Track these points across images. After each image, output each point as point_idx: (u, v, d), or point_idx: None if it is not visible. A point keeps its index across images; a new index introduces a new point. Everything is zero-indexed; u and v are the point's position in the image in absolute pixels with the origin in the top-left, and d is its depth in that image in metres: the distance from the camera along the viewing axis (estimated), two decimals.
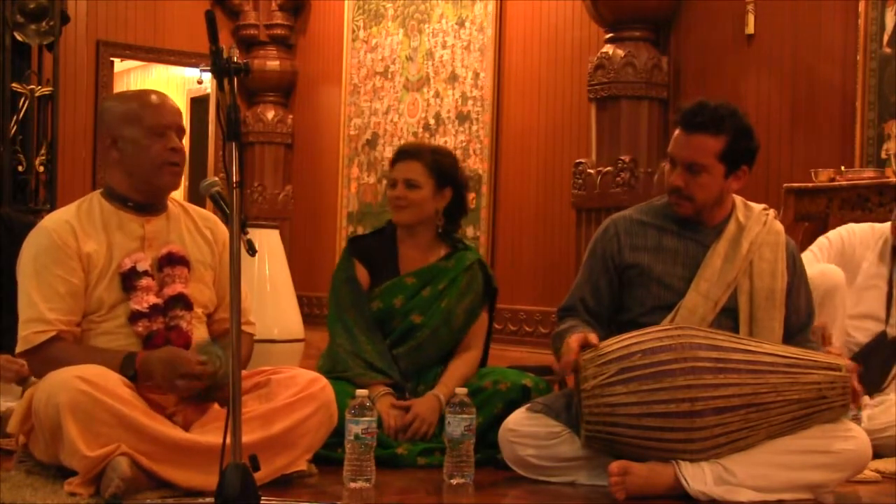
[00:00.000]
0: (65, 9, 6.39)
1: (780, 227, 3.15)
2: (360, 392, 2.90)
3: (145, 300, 2.83)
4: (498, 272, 6.89)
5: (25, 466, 2.83)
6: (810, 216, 4.59)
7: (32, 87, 6.26)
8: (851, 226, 3.99)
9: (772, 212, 3.18)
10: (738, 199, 3.16)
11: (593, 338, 2.85)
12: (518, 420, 3.02)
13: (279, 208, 8.97)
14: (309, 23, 8.92)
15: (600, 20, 5.88)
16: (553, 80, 6.62)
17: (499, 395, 3.34)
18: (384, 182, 7.53)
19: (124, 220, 2.91)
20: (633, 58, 5.70)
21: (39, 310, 2.76)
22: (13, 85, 6.20)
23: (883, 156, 4.86)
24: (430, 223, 3.54)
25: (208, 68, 2.39)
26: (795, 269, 3.13)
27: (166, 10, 8.67)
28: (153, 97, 2.93)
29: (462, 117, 7.19)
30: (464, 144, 7.15)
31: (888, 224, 3.84)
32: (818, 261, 3.82)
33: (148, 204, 2.94)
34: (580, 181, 5.87)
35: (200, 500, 2.58)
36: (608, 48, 5.78)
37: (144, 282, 2.84)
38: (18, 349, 2.81)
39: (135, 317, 2.82)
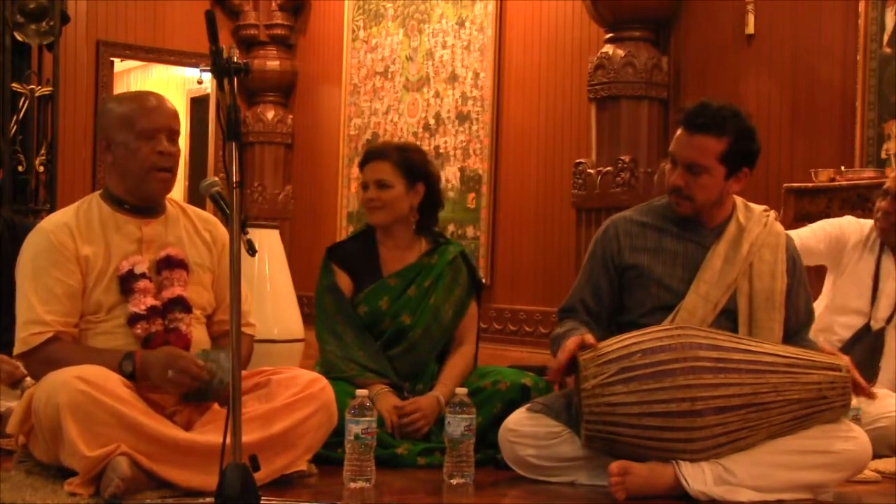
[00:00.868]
0: (65, 9, 6.39)
1: (780, 228, 3.15)
2: (360, 392, 2.89)
3: (143, 302, 2.83)
4: (498, 272, 6.90)
5: (25, 466, 2.82)
6: (810, 216, 4.58)
7: (32, 87, 6.26)
8: (852, 218, 4.00)
9: (772, 213, 3.17)
10: (739, 201, 3.16)
11: (590, 338, 2.85)
12: (518, 420, 3.01)
13: (279, 208, 8.97)
14: (309, 23, 8.92)
15: (600, 20, 5.88)
16: (553, 80, 6.62)
17: (498, 394, 3.34)
18: None
19: (122, 223, 2.90)
20: (633, 58, 5.71)
21: (37, 312, 2.76)
22: (13, 85, 6.20)
23: (883, 156, 4.86)
24: (407, 221, 3.53)
25: (208, 68, 2.38)
26: (795, 271, 3.12)
27: (166, 10, 8.68)
28: (151, 100, 2.90)
29: (462, 117, 7.19)
30: (464, 144, 7.15)
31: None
32: (811, 237, 3.85)
33: (144, 207, 2.93)
34: (580, 181, 5.87)
35: (200, 500, 2.58)
36: (608, 48, 5.78)
37: (142, 284, 2.84)
38: (16, 351, 2.80)
39: (133, 319, 2.82)
